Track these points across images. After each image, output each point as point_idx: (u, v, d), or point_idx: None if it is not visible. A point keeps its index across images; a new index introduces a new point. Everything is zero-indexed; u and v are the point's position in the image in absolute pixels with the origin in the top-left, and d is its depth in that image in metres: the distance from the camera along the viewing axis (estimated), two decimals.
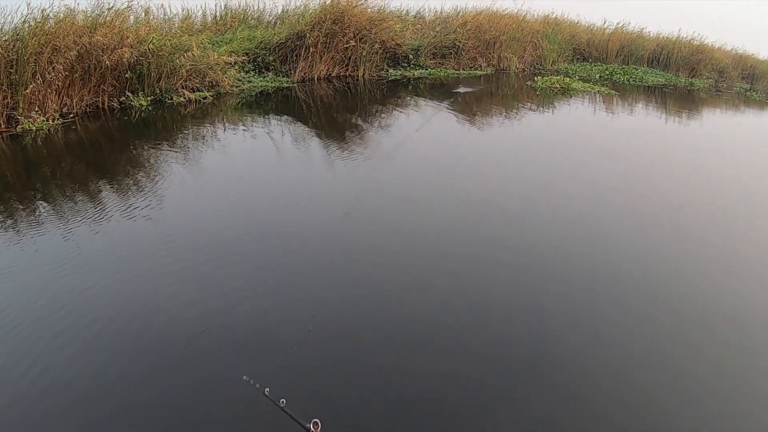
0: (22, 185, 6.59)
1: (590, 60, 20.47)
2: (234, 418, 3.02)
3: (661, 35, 20.81)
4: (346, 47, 13.58)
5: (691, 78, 19.57)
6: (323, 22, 12.91)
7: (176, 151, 7.97)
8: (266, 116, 10.27)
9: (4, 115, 8.41)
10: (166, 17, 13.43)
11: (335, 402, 3.19)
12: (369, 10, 13.89)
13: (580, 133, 10.75)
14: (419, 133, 9.50)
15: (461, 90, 13.80)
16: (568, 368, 3.57)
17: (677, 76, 19.42)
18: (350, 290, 4.40)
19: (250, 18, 15.34)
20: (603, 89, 15.40)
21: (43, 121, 8.52)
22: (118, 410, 3.05)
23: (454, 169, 7.90)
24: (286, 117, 10.32)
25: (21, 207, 5.77)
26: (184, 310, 3.95)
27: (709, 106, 16.47)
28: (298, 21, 13.70)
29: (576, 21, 21.20)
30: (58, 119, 8.79)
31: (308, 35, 12.76)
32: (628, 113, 13.53)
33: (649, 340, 3.96)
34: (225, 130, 9.25)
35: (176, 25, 13.66)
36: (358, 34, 13.65)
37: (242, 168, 7.58)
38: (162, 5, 13.60)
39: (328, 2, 13.20)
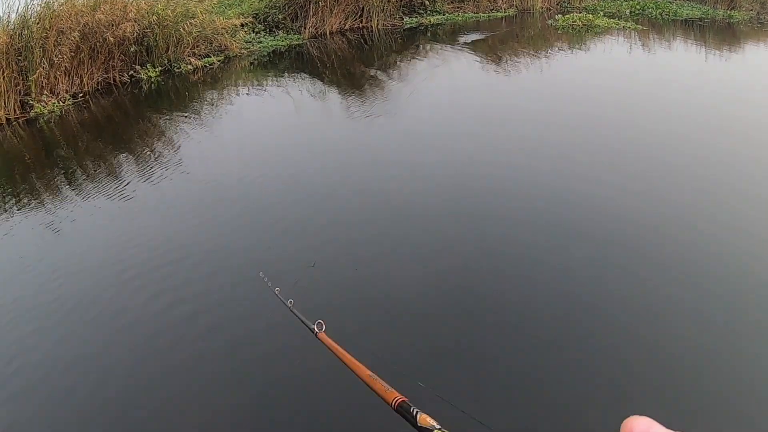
0: (35, 167, 7.16)
1: None
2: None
3: None
4: None
5: (730, 10, 18.79)
6: None
7: (187, 116, 8.48)
8: (276, 75, 10.59)
9: (18, 101, 8.96)
10: None
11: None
12: None
13: (600, 75, 10.41)
14: (427, 83, 9.70)
15: (474, 36, 13.65)
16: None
17: (715, 9, 18.65)
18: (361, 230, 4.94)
19: None
20: (630, 25, 15.01)
21: (54, 103, 9.02)
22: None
23: (463, 114, 8.05)
24: (297, 74, 10.63)
25: (38, 186, 6.34)
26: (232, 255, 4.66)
27: (751, 39, 15.91)
28: None
29: None
30: (68, 100, 9.28)
31: None
32: (656, 50, 13.09)
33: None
34: (235, 92, 9.72)
35: None
36: None
37: (256, 126, 8.12)
38: None
39: None
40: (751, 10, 19.21)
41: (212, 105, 9.04)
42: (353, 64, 11.45)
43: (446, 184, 5.70)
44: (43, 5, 9.08)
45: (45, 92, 9.08)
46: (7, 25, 8.86)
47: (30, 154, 7.56)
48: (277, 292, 2.80)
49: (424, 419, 1.43)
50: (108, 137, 7.97)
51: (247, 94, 9.62)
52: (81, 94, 9.57)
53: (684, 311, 3.79)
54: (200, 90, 9.95)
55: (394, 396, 1.62)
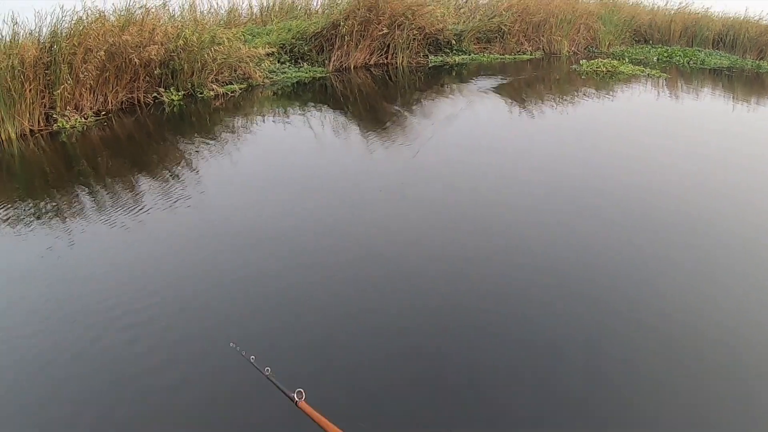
0: (47, 180, 7.21)
1: (651, 42, 19.98)
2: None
3: (727, 15, 20.09)
4: (381, 34, 13.78)
5: (759, 60, 18.87)
6: (357, 9, 13.18)
7: (205, 143, 8.47)
8: (299, 106, 10.67)
9: (43, 114, 9.15)
10: (211, 11, 14.12)
11: None
12: None
13: (625, 122, 10.41)
14: (451, 123, 9.68)
15: (498, 77, 13.76)
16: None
17: (743, 59, 18.74)
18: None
19: (298, 7, 15.86)
20: (655, 72, 15.06)
21: (77, 119, 9.17)
22: None
23: (485, 156, 7.93)
24: (319, 106, 10.69)
25: (43, 199, 6.35)
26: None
27: None
28: (332, 10, 14.04)
29: (637, 2, 20.74)
30: (91, 117, 9.44)
31: (342, 24, 13.08)
32: (682, 98, 13.10)
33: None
34: (255, 121, 9.80)
35: (222, 18, 14.35)
36: (395, 21, 13.85)
37: (273, 157, 8.04)
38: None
39: None
40: None
41: (231, 133, 9.11)
42: (376, 99, 11.58)
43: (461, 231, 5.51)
44: (74, 21, 9.31)
45: (69, 107, 9.25)
46: (38, 38, 9.08)
47: (47, 167, 7.67)
48: (252, 360, 2.69)
49: None
50: (122, 157, 8.03)
51: (266, 123, 9.71)
52: (104, 112, 9.73)
53: None
54: (221, 116, 10.08)
55: None
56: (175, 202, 6.09)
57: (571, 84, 13.56)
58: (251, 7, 15.82)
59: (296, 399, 2.41)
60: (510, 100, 11.45)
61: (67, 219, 5.76)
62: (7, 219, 5.77)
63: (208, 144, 8.40)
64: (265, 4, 15.87)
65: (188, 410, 3.20)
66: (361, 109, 10.88)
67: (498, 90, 12.12)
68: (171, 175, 7.05)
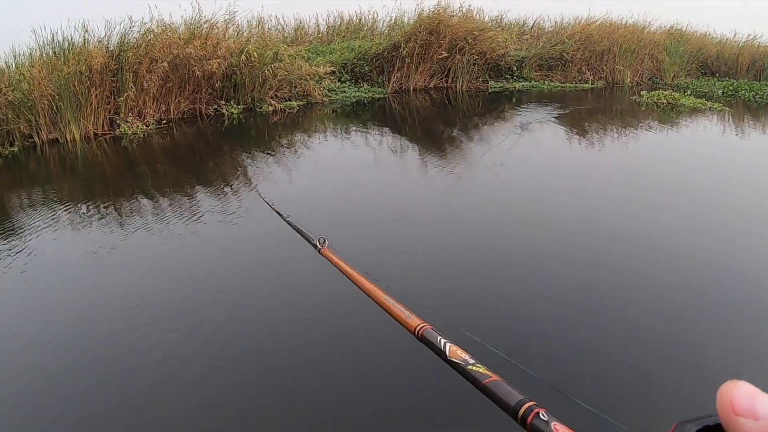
0: (105, 181, 7.28)
1: (718, 75, 19.59)
2: None
3: None
4: (441, 58, 13.80)
5: None
6: (419, 32, 13.23)
7: (260, 157, 8.46)
8: (356, 126, 10.64)
9: (108, 119, 9.37)
10: (278, 27, 14.44)
11: None
12: (468, 21, 14.10)
13: (672, 158, 10.00)
14: (509, 149, 9.46)
15: (557, 105, 13.53)
16: None
17: None
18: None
19: (363, 28, 16.10)
20: (717, 106, 14.65)
21: (138, 126, 9.33)
22: None
23: (542, 185, 7.70)
24: (377, 127, 10.62)
25: (95, 202, 6.37)
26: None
27: None
28: (394, 31, 14.16)
29: (705, 33, 20.41)
30: (152, 124, 9.59)
31: (403, 46, 13.14)
32: (748, 134, 12.72)
33: None
34: (311, 138, 9.72)
35: (288, 35, 14.66)
36: (455, 45, 13.87)
37: (327, 175, 7.84)
38: (275, 15, 14.66)
39: (425, 13, 13.54)
40: None
41: (286, 148, 9.06)
42: (435, 122, 11.48)
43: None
44: (142, 32, 9.54)
45: (132, 114, 9.42)
46: (107, 46, 9.32)
47: (106, 169, 7.81)
48: (273, 206, 2.71)
49: (455, 352, 1.22)
50: (177, 165, 8.11)
51: (321, 141, 9.61)
52: (165, 120, 9.88)
53: None
54: (278, 131, 10.10)
55: (416, 324, 1.39)
56: (225, 213, 5.96)
57: (631, 115, 13.24)
58: (318, 25, 16.14)
59: (319, 246, 2.34)
60: (566, 130, 11.19)
61: (117, 221, 5.73)
62: (66, 217, 5.79)
63: (262, 157, 8.37)
64: (332, 23, 16.17)
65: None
66: (418, 132, 10.76)
67: (556, 119, 11.89)
68: (223, 186, 6.97)
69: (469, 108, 13.02)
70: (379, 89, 13.25)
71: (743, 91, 17.70)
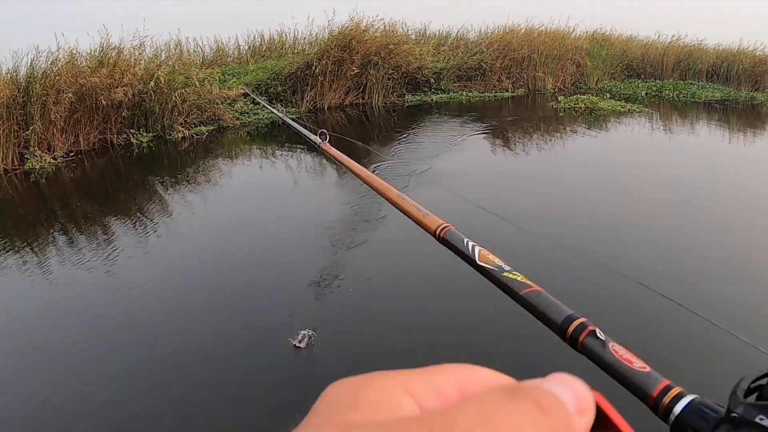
0: (17, 219, 8.43)
1: (643, 77, 21.26)
2: None
3: (721, 47, 21.34)
4: (353, 74, 15.06)
5: (753, 91, 20.00)
6: (331, 49, 14.52)
7: (165, 186, 9.65)
8: (260, 148, 11.97)
9: (17, 153, 10.42)
10: (196, 50, 15.61)
11: None
12: (380, 35, 15.42)
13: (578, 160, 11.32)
14: (428, 162, 10.60)
15: (475, 115, 14.84)
16: None
17: (738, 91, 19.88)
18: None
19: (284, 45, 17.35)
20: (636, 108, 16.16)
21: (46, 159, 10.40)
22: None
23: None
24: (281, 148, 11.87)
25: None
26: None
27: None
28: (307, 50, 15.43)
29: (630, 36, 22.10)
30: (60, 158, 10.68)
31: (315, 64, 14.39)
32: (658, 133, 14.13)
33: None
34: (222, 164, 10.93)
35: (207, 58, 15.83)
36: (370, 61, 15.16)
37: (237, 202, 9.01)
38: (194, 38, 15.81)
39: (335, 31, 14.83)
40: None
41: (194, 176, 10.24)
42: (350, 141, 12.72)
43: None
44: (49, 62, 10.66)
45: (41, 148, 10.49)
46: (14, 78, 10.39)
47: (15, 206, 8.94)
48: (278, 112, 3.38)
49: (486, 256, 1.18)
50: (84, 199, 9.22)
51: (228, 166, 10.81)
52: (73, 153, 11.01)
53: None
54: (190, 159, 11.28)
55: (438, 224, 1.39)
56: (135, 247, 7.11)
57: (545, 122, 14.64)
58: (239, 46, 17.31)
59: (318, 141, 2.86)
60: (490, 139, 12.56)
61: (28, 257, 6.85)
62: None
63: (169, 187, 9.54)
64: (251, 42, 17.41)
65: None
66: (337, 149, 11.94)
67: (476, 130, 13.22)
68: (126, 221, 8.13)
69: (386, 123, 14.33)
70: (293, 109, 14.48)
71: (667, 91, 19.35)
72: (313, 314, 4.89)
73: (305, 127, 2.94)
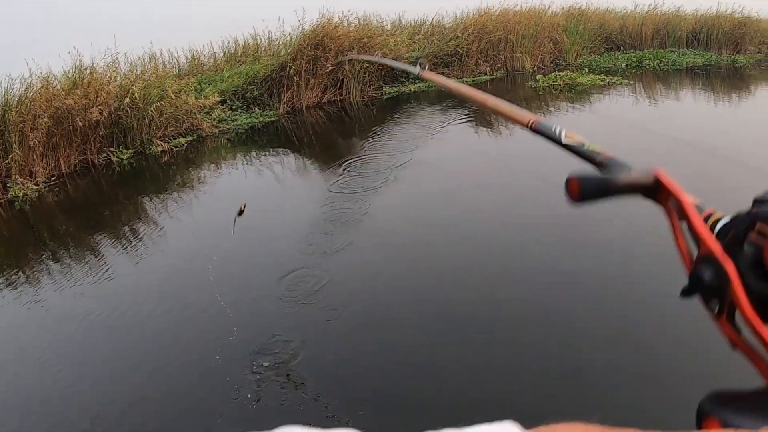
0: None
1: (623, 49, 21.43)
2: None
3: (699, 12, 21.51)
4: (329, 71, 15.27)
5: (735, 54, 20.22)
6: (304, 48, 14.73)
7: (152, 202, 9.99)
8: (241, 154, 12.24)
9: (0, 182, 10.68)
10: (171, 61, 15.81)
11: None
12: (354, 30, 15.65)
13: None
14: (411, 153, 10.94)
15: (453, 102, 15.06)
16: None
17: (719, 55, 20.10)
18: None
19: (259, 49, 17.53)
20: (615, 80, 16.44)
21: (29, 186, 10.67)
22: None
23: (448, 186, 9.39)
24: (263, 152, 12.19)
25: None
26: None
27: (760, 82, 17.29)
28: (282, 51, 15.64)
29: (606, 9, 22.21)
30: (42, 183, 10.96)
31: (290, 65, 14.61)
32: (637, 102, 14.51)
33: None
34: (206, 173, 11.24)
35: (183, 68, 16.04)
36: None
37: (223, 212, 9.12)
38: (168, 49, 15.97)
39: (307, 30, 15.03)
40: (759, 52, 20.53)
41: (177, 188, 10.59)
42: (331, 138, 13.11)
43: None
44: (23, 89, 10.92)
45: (23, 175, 10.77)
46: None
47: (6, 235, 9.30)
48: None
49: (571, 136, 1.42)
50: (67, 223, 9.59)
51: (219, 174, 11.18)
52: (55, 177, 11.28)
53: None
54: (172, 172, 11.57)
55: (528, 118, 1.72)
56: (120, 267, 7.49)
57: (526, 102, 14.91)
58: (214, 53, 17.46)
59: (419, 71, 3.40)
60: (470, 125, 12.89)
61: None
62: None
63: (152, 202, 9.87)
64: (226, 48, 17.54)
65: None
66: (313, 151, 12.39)
67: (440, 115, 13.56)
68: (112, 242, 8.47)
69: (366, 118, 14.62)
70: (271, 112, 14.72)
71: (647, 61, 19.58)
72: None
73: (403, 62, 3.84)
